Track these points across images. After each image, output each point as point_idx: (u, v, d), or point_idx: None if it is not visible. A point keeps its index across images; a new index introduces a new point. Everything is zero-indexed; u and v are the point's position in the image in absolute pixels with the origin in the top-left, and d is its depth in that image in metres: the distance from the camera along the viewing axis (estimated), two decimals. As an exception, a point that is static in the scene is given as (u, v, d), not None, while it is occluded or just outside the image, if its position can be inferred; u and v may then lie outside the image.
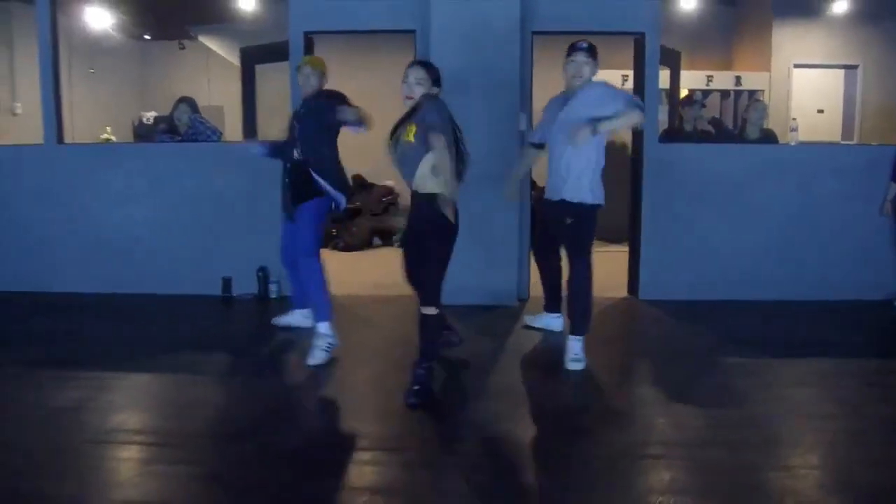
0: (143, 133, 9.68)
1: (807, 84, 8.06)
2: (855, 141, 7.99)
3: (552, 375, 3.77)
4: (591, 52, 3.78)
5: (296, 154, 4.05)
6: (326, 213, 4.14)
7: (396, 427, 3.06)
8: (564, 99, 3.87)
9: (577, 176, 3.76)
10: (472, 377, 3.71)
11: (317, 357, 3.81)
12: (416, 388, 3.27)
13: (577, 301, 3.84)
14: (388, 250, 7.97)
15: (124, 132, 9.77)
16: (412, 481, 2.59)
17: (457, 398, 3.44)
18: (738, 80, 8.00)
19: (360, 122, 3.79)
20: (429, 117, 3.24)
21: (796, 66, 8.00)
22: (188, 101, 5.52)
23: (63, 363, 3.85)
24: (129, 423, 3.12)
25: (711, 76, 7.95)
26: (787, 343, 4.31)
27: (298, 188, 4.05)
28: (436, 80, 3.44)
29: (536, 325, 4.50)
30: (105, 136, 9.18)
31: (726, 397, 3.40)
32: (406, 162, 3.36)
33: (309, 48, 5.25)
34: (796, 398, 3.42)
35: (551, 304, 4.44)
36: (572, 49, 3.78)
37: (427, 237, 3.37)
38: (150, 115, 10.27)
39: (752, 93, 7.94)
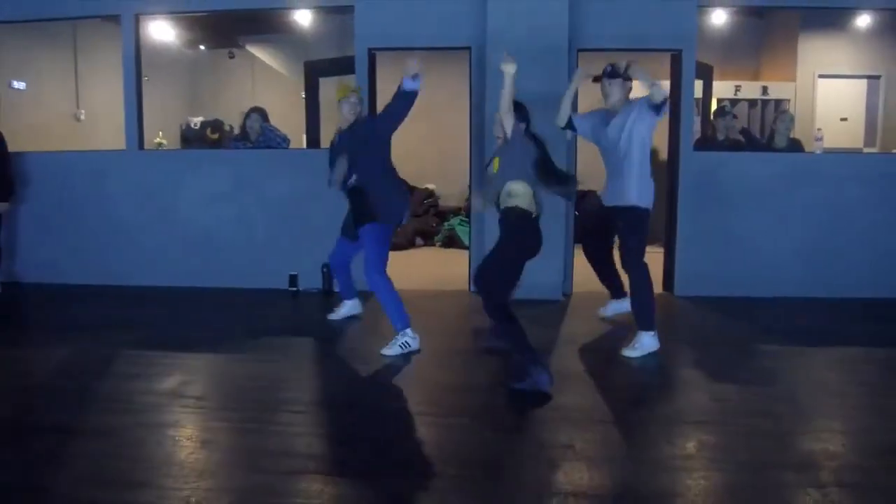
0: (189, 136, 10.19)
1: (831, 93, 8.40)
2: (877, 148, 8.32)
3: (606, 360, 4.22)
4: (612, 73, 4.27)
5: (352, 180, 4.31)
6: (390, 231, 4.38)
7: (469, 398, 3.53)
8: (607, 114, 4.38)
9: (627, 181, 4.24)
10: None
11: (392, 350, 4.18)
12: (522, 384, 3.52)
13: (634, 301, 4.28)
14: (431, 250, 8.46)
15: (173, 136, 10.29)
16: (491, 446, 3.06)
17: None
18: (764, 89, 8.37)
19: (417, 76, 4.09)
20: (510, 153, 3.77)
21: (821, 76, 8.34)
22: (260, 111, 6.03)
23: (164, 346, 4.36)
24: (221, 401, 3.61)
25: (739, 86, 8.33)
26: (814, 333, 4.73)
27: (358, 212, 4.36)
28: (522, 117, 3.89)
29: (609, 313, 4.92)
30: (158, 140, 9.70)
31: (758, 377, 3.84)
32: (492, 186, 3.80)
33: (372, 64, 5.73)
34: (823, 379, 3.85)
35: (616, 293, 4.88)
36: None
37: (506, 245, 3.71)
38: (196, 120, 10.78)
39: (778, 102, 8.30)
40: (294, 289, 5.89)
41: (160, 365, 3.99)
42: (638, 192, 4.23)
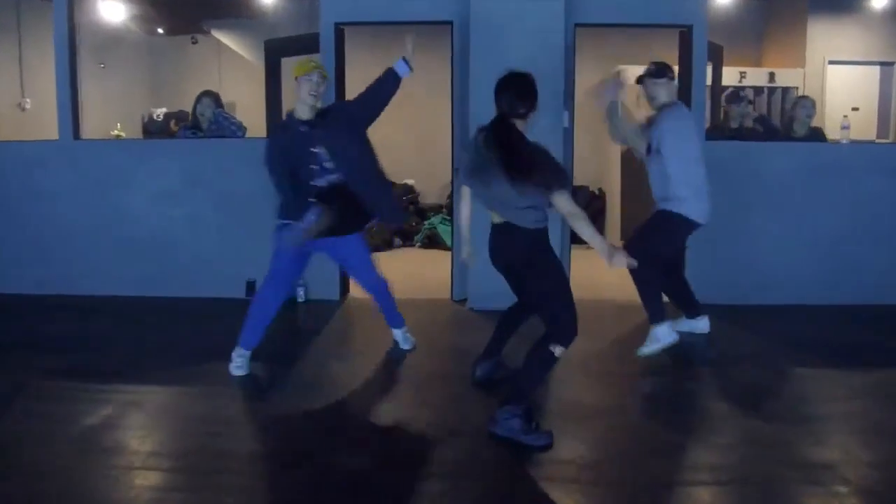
0: (153, 129, 9.44)
1: (841, 81, 7.83)
2: (891, 139, 7.76)
3: (611, 388, 3.55)
4: (658, 73, 3.83)
5: (332, 178, 3.51)
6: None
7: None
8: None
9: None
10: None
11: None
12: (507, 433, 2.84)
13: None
14: (411, 251, 7.78)
15: (134, 128, 9.56)
16: None
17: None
18: (771, 76, 7.77)
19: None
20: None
21: (831, 62, 7.77)
22: (212, 95, 5.29)
23: (90, 374, 3.63)
24: (163, 444, 2.89)
25: (745, 73, 7.72)
26: (846, 349, 4.11)
27: (348, 216, 3.54)
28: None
29: (683, 328, 4.23)
30: (115, 132, 8.96)
31: (790, 408, 3.19)
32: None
33: (340, 40, 5.01)
34: (866, 410, 3.20)
35: (689, 311, 4.27)
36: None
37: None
38: (160, 112, 10.03)
39: (785, 90, 7.71)
40: (251, 297, 5.16)
41: (78, 400, 3.25)
42: (678, 199, 3.78)
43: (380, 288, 3.91)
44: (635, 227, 4.09)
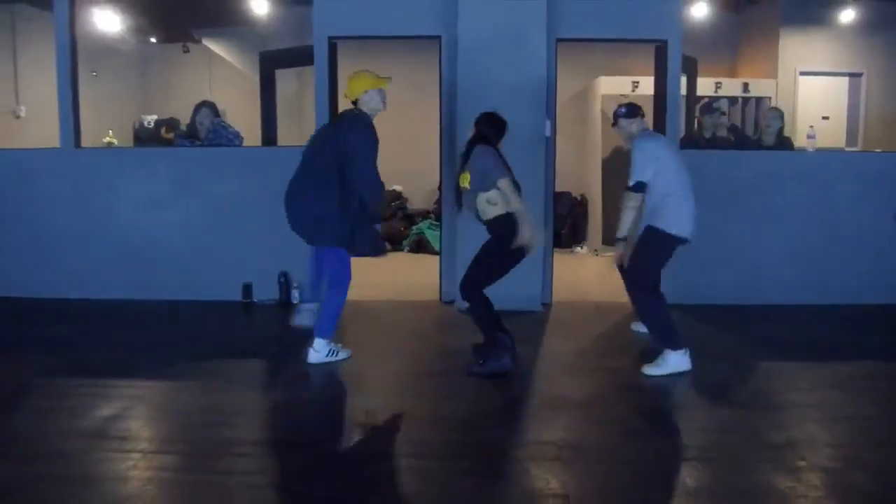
0: (143, 136, 9.59)
1: (812, 91, 8.16)
2: (859, 148, 8.09)
3: (593, 381, 3.78)
4: (630, 113, 4.01)
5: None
6: None
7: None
8: None
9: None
10: (524, 383, 3.73)
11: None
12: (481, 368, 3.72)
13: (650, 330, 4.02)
14: (399, 255, 7.97)
15: (125, 135, 9.68)
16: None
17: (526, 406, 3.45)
18: (745, 86, 8.07)
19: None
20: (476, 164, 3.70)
21: (802, 73, 8.09)
22: (209, 106, 5.49)
23: (93, 372, 3.81)
24: (171, 433, 3.09)
25: (720, 83, 8.01)
26: (813, 345, 4.39)
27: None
28: (477, 124, 3.86)
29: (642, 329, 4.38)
30: (108, 139, 9.08)
31: (760, 399, 3.45)
32: (468, 203, 3.84)
33: (332, 53, 5.24)
34: (833, 400, 3.47)
35: None
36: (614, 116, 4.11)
37: (493, 248, 3.75)
38: (150, 119, 10.17)
39: (759, 99, 8.02)
40: (248, 300, 5.37)
41: (86, 396, 3.44)
42: (654, 214, 3.84)
43: (328, 307, 3.92)
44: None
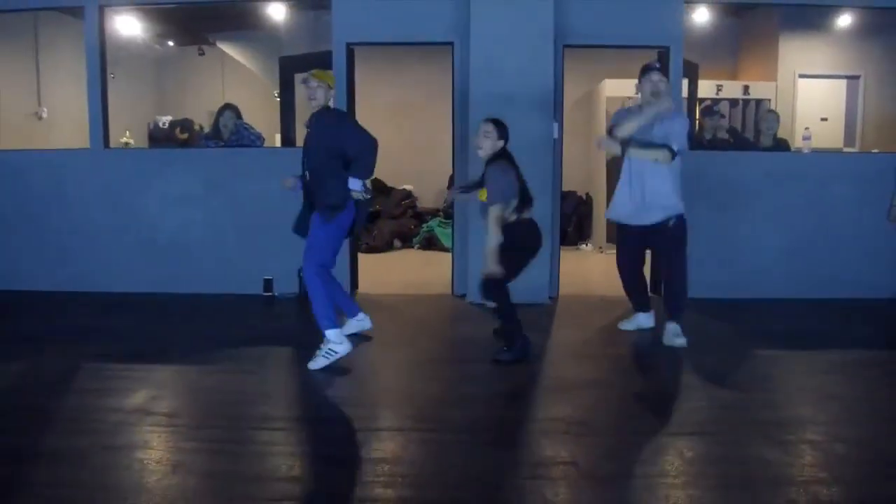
0: (157, 136, 9.84)
1: (811, 93, 8.37)
2: (857, 148, 8.31)
3: (600, 366, 4.04)
4: (665, 71, 4.30)
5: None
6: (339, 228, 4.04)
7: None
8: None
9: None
10: (535, 368, 3.99)
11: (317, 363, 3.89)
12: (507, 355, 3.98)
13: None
14: (409, 252, 8.25)
15: (140, 136, 9.94)
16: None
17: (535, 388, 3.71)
18: (746, 89, 8.30)
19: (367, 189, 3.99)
20: (490, 187, 3.94)
21: (801, 76, 8.32)
22: (233, 108, 5.76)
23: (128, 359, 4.06)
24: (208, 412, 3.36)
25: (721, 86, 8.25)
26: (806, 336, 4.65)
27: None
28: (502, 135, 4.03)
29: (630, 327, 4.72)
30: (125, 140, 9.33)
31: (757, 383, 3.70)
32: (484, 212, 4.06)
33: (350, 59, 5.50)
34: (822, 385, 3.72)
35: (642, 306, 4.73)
36: (647, 69, 4.27)
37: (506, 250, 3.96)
38: (164, 119, 10.41)
39: (759, 102, 8.24)
40: (269, 294, 5.63)
41: (127, 379, 3.71)
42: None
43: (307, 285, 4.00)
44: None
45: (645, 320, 4.69)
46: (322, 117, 4.00)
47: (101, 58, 5.70)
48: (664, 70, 5.43)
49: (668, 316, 4.36)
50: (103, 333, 4.64)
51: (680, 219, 4.28)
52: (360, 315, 4.47)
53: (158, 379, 3.78)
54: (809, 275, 5.59)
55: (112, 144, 5.82)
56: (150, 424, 3.12)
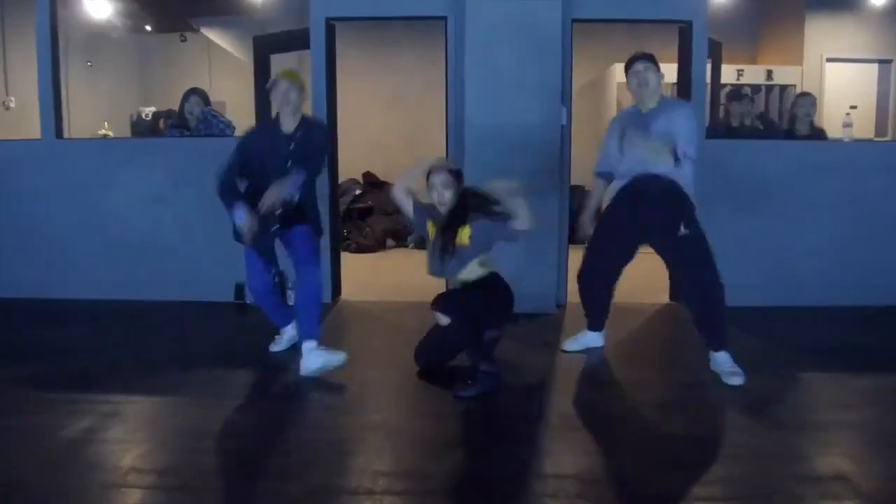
0: (141, 129, 9.30)
1: (839, 79, 7.79)
2: (889, 137, 7.71)
3: (615, 394, 3.43)
4: (652, 58, 3.59)
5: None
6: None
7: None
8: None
9: None
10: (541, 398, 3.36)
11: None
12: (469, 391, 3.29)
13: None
14: (403, 251, 7.65)
15: (122, 127, 9.40)
16: None
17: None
18: (769, 74, 7.71)
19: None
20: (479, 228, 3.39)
21: (829, 60, 7.72)
22: (199, 93, 5.16)
23: (68, 383, 3.47)
24: (147, 460, 2.74)
25: (742, 70, 7.66)
26: (850, 352, 4.00)
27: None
28: (458, 176, 3.53)
29: (576, 347, 4.04)
30: (103, 131, 8.81)
31: (796, 416, 3.08)
32: (458, 262, 3.45)
33: (331, 36, 4.88)
34: (862, 417, 3.09)
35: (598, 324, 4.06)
36: (631, 59, 3.62)
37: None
38: (148, 111, 9.86)
39: (783, 87, 7.65)
40: (240, 301, 5.04)
41: (56, 412, 3.08)
42: None
43: (308, 289, 3.64)
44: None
45: (594, 339, 4.02)
46: (312, 129, 3.77)
47: (53, 39, 5.10)
48: (684, 50, 4.86)
49: (713, 349, 3.59)
50: (46, 349, 4.04)
51: (691, 218, 3.57)
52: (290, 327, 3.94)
53: (98, 411, 3.08)
54: (850, 279, 4.96)
55: (91, 135, 5.29)
56: (75, 474, 2.50)
